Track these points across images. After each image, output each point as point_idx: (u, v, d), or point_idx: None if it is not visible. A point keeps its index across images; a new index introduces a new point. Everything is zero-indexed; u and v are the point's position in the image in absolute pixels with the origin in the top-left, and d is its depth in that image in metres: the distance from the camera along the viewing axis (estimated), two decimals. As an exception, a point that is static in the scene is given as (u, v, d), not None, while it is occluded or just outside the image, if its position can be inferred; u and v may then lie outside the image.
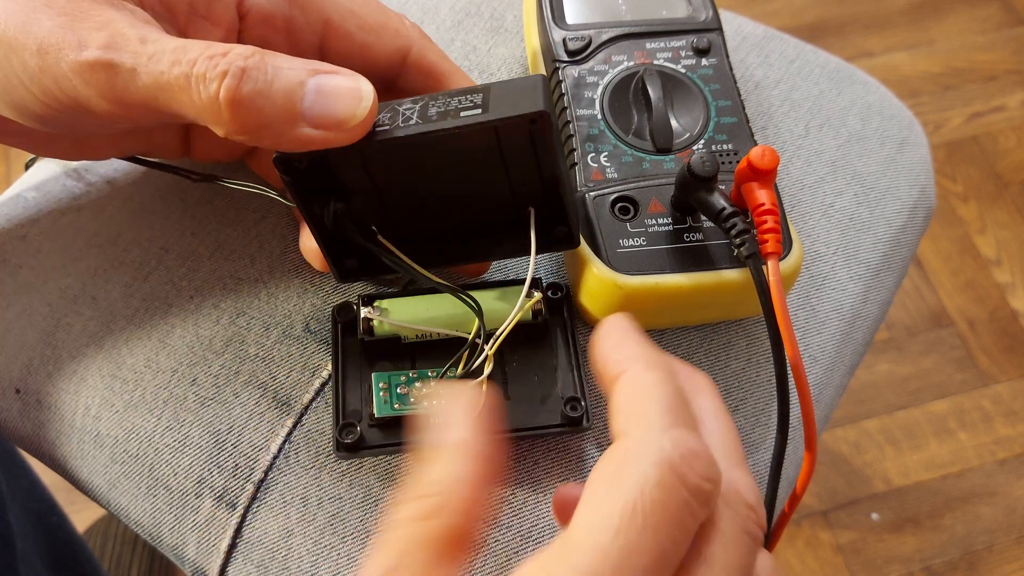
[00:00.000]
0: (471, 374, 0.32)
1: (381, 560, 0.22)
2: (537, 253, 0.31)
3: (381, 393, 0.32)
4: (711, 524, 0.23)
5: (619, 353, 0.25)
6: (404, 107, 0.28)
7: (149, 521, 0.36)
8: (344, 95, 0.27)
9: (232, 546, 0.34)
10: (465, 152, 0.30)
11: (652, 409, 0.23)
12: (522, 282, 0.32)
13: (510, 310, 0.32)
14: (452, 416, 0.25)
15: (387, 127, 0.28)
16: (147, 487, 0.35)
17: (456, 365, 0.32)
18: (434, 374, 0.33)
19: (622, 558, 0.20)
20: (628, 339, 0.26)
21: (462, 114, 0.27)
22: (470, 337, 0.32)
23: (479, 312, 0.32)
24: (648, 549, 0.21)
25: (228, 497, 0.34)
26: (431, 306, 0.34)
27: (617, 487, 0.21)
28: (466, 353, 0.32)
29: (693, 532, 0.22)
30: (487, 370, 0.32)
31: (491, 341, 0.32)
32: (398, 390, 0.33)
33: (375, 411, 0.32)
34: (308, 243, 0.34)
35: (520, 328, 0.33)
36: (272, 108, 0.26)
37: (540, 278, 0.36)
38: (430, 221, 0.33)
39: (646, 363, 0.25)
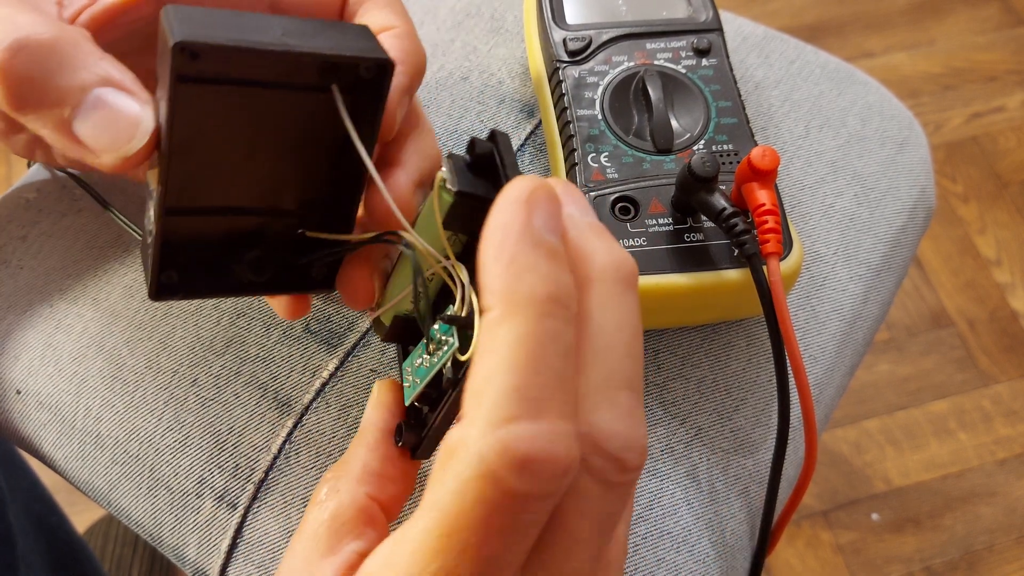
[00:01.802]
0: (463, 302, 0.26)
1: (294, 544, 0.26)
2: (378, 109, 0.26)
3: (407, 381, 0.29)
4: (570, 489, 0.20)
5: (490, 275, 0.20)
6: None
7: (150, 522, 0.36)
8: (119, 124, 0.24)
9: (233, 546, 0.34)
10: (220, 117, 0.26)
11: (491, 392, 0.19)
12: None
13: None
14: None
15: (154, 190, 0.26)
16: (148, 488, 0.35)
17: (431, 317, 0.27)
18: (437, 326, 0.27)
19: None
20: (505, 252, 0.20)
21: None
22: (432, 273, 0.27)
23: (409, 245, 0.27)
24: (472, 563, 0.19)
25: (229, 497, 0.34)
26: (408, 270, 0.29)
27: (437, 498, 0.19)
28: (423, 298, 0.27)
29: (536, 522, 0.20)
30: (465, 279, 0.25)
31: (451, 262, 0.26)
32: (416, 363, 0.29)
33: (405, 401, 0.29)
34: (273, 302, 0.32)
35: (466, 214, 0.25)
36: (40, 100, 0.24)
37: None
38: (316, 178, 0.29)
39: (511, 305, 0.19)
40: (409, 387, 0.29)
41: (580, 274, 0.21)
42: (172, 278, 0.28)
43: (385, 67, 0.26)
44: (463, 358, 0.26)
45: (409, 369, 0.29)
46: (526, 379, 0.19)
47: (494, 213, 0.21)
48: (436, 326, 0.27)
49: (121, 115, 0.24)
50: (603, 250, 0.22)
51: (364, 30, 0.26)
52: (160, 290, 0.27)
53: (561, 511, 0.20)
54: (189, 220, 0.27)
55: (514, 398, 0.19)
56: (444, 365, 0.27)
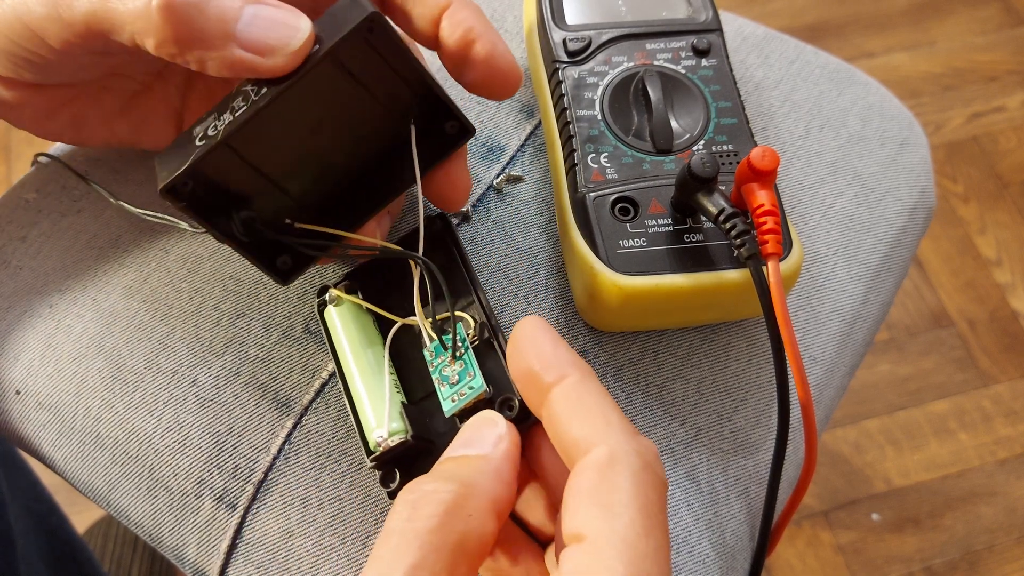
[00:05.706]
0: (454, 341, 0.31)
1: (406, 558, 0.23)
2: (442, 157, 0.31)
3: (454, 392, 0.31)
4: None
5: (557, 358, 0.27)
6: (244, 85, 0.28)
7: (149, 522, 0.36)
8: (280, 25, 0.27)
9: (232, 547, 0.34)
10: (322, 97, 0.29)
11: (613, 417, 0.26)
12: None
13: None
14: (481, 435, 0.28)
15: (239, 111, 0.28)
16: (147, 488, 0.35)
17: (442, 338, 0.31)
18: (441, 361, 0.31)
19: (653, 552, 0.24)
20: (559, 345, 0.28)
21: None
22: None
23: (428, 268, 0.31)
24: (664, 539, 0.24)
25: (228, 498, 0.34)
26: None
27: (623, 495, 0.24)
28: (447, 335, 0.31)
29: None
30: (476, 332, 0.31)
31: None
32: (448, 374, 0.31)
33: (474, 394, 0.31)
34: None
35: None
36: (205, 23, 0.27)
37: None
38: (335, 184, 0.32)
39: (584, 370, 0.27)
40: (461, 390, 0.31)
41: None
42: (187, 186, 0.29)
43: (467, 130, 0.31)
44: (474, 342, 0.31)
45: (448, 384, 0.31)
46: (619, 411, 0.26)
47: (530, 323, 0.28)
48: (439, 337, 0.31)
49: (279, 19, 0.27)
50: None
51: None
52: (170, 189, 0.28)
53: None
54: (230, 161, 0.29)
55: (627, 422, 0.26)
56: (466, 347, 0.31)
